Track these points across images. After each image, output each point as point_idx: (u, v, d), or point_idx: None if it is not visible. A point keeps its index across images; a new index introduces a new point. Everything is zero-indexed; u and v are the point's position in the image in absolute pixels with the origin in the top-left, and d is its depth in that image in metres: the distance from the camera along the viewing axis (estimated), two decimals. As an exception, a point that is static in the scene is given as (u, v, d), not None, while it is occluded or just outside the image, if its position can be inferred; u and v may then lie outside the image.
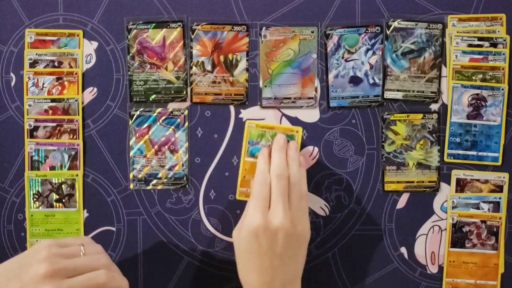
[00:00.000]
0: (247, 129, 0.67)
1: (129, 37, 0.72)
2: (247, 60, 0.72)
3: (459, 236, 0.72)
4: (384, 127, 0.72)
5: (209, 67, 0.72)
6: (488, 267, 0.72)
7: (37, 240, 0.72)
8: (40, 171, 0.72)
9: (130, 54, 0.72)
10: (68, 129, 0.72)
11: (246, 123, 0.68)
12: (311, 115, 0.73)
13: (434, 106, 0.72)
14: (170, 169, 0.73)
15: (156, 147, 0.73)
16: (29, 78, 0.72)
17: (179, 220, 0.73)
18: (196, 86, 0.72)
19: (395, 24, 0.71)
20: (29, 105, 0.72)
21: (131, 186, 0.73)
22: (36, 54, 0.72)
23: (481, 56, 0.71)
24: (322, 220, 0.73)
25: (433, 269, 0.73)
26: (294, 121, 0.73)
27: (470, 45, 0.71)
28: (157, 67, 0.72)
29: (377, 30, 0.71)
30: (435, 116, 0.72)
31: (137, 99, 0.72)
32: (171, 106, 0.73)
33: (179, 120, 0.72)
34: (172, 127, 0.72)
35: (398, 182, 0.72)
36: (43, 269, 0.50)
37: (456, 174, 0.72)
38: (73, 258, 0.53)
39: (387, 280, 0.73)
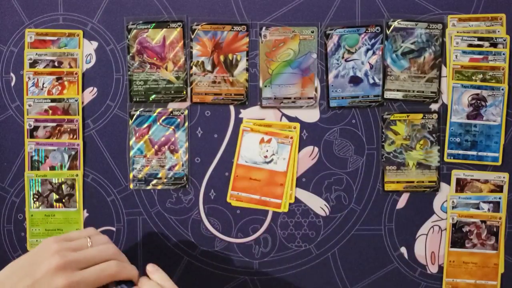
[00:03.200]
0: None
1: (129, 37, 0.72)
2: (247, 60, 0.72)
3: (459, 236, 0.72)
4: (384, 127, 0.72)
5: (209, 67, 0.72)
6: (488, 267, 0.72)
7: (37, 240, 0.72)
8: (40, 171, 0.72)
9: (130, 54, 0.72)
10: (68, 129, 0.72)
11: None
12: (311, 115, 0.73)
13: (434, 106, 0.72)
14: (170, 169, 0.73)
15: (156, 147, 0.73)
16: (29, 78, 0.72)
17: (179, 220, 0.73)
18: (196, 86, 0.72)
19: (395, 24, 0.71)
20: (29, 105, 0.72)
21: (131, 186, 0.73)
22: (36, 54, 0.72)
23: (481, 56, 0.71)
24: (322, 220, 0.73)
25: (433, 269, 0.73)
26: (294, 121, 0.73)
27: (470, 45, 0.71)
28: (157, 67, 0.72)
29: (377, 30, 0.71)
30: (435, 116, 0.72)
31: (137, 99, 0.72)
32: (171, 106, 0.73)
33: (179, 120, 0.72)
34: (172, 127, 0.72)
35: (398, 182, 0.72)
36: (55, 263, 0.50)
37: (456, 174, 0.72)
38: (81, 250, 0.53)
39: (387, 280, 0.73)
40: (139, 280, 0.57)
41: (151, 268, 0.58)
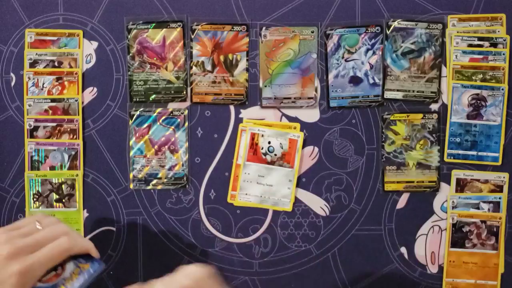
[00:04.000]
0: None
1: (129, 37, 0.72)
2: (247, 60, 0.72)
3: (459, 236, 0.72)
4: (384, 127, 0.72)
5: (209, 67, 0.72)
6: (488, 267, 0.72)
7: (37, 240, 0.72)
8: (40, 171, 0.72)
9: (130, 54, 0.72)
10: (68, 129, 0.72)
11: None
12: (311, 115, 0.73)
13: (434, 106, 0.72)
14: (170, 169, 0.73)
15: (156, 147, 0.73)
16: (29, 78, 0.72)
17: (179, 220, 0.73)
18: (196, 86, 0.72)
19: (395, 24, 0.71)
20: (29, 105, 0.72)
21: (131, 186, 0.73)
22: (36, 54, 0.72)
23: (481, 56, 0.71)
24: (322, 220, 0.73)
25: (433, 269, 0.73)
26: (294, 121, 0.73)
27: (470, 45, 0.71)
28: (157, 67, 0.72)
29: (377, 30, 0.71)
30: (435, 116, 0.72)
31: (137, 99, 0.72)
32: (171, 106, 0.73)
33: (179, 120, 0.72)
34: (172, 127, 0.72)
35: (398, 182, 0.72)
36: (5, 251, 0.50)
37: (456, 174, 0.72)
38: (32, 235, 0.53)
39: (387, 280, 0.73)
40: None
41: None
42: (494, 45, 0.71)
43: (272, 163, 0.72)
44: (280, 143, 0.72)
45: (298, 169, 0.72)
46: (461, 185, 0.72)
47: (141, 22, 0.72)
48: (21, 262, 0.50)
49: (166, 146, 0.73)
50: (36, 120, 0.72)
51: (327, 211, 0.73)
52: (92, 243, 0.56)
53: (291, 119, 0.73)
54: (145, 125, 0.72)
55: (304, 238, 0.73)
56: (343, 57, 0.72)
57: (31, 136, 0.72)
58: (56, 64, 0.72)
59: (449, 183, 0.72)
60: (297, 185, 0.72)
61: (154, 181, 0.73)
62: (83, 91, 0.72)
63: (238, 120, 0.73)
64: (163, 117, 0.72)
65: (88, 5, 0.72)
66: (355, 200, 0.73)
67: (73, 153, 0.72)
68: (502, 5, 0.71)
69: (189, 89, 0.72)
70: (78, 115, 0.72)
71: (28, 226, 0.55)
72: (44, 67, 0.72)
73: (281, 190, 0.72)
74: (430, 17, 0.71)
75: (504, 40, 0.71)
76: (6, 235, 0.52)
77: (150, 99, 0.72)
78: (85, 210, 0.73)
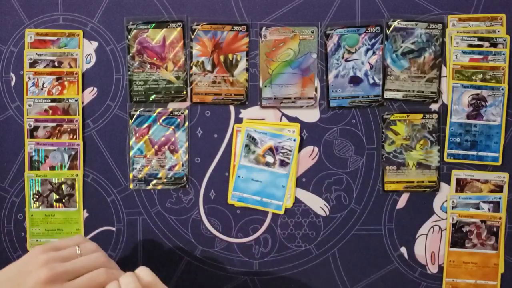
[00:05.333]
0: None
1: (129, 37, 0.72)
2: (247, 60, 0.72)
3: (459, 236, 0.72)
4: (384, 127, 0.72)
5: (209, 67, 0.72)
6: (488, 267, 0.72)
7: (37, 240, 0.72)
8: (40, 171, 0.72)
9: (130, 54, 0.72)
10: (68, 129, 0.72)
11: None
12: (311, 115, 0.73)
13: (434, 106, 0.72)
14: (170, 169, 0.73)
15: (156, 147, 0.73)
16: (29, 78, 0.72)
17: (179, 220, 0.73)
18: (196, 86, 0.72)
19: (395, 24, 0.71)
20: (29, 105, 0.72)
21: (131, 186, 0.73)
22: (36, 54, 0.72)
23: (481, 56, 0.71)
24: (322, 220, 0.73)
25: (433, 269, 0.73)
26: (294, 121, 0.73)
27: (470, 45, 0.71)
28: (157, 67, 0.72)
29: (377, 30, 0.71)
30: (435, 116, 0.72)
31: (137, 99, 0.72)
32: (171, 106, 0.73)
33: (179, 120, 0.72)
34: (172, 127, 0.72)
35: (398, 182, 0.72)
36: (43, 275, 0.50)
37: (456, 174, 0.72)
38: (70, 260, 0.53)
39: (387, 280, 0.73)
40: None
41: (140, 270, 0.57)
42: (494, 45, 0.71)
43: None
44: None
45: (296, 170, 0.72)
46: (461, 185, 0.72)
47: (141, 22, 0.72)
48: None
49: (166, 146, 0.73)
50: (36, 120, 0.72)
51: (327, 211, 0.73)
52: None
53: (291, 119, 0.73)
54: (145, 125, 0.72)
55: (304, 238, 0.73)
56: (343, 57, 0.72)
57: (31, 136, 0.72)
58: (56, 64, 0.72)
59: (449, 183, 0.72)
60: (297, 185, 0.72)
61: (154, 181, 0.73)
62: (83, 91, 0.72)
63: (238, 120, 0.73)
64: (163, 117, 0.72)
65: (88, 5, 0.72)
66: (355, 200, 0.73)
67: (73, 153, 0.72)
68: (502, 5, 0.71)
69: (189, 89, 0.72)
70: (78, 115, 0.72)
71: (68, 250, 0.54)
72: (44, 67, 0.72)
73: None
74: (430, 17, 0.71)
75: (504, 40, 0.71)
76: (46, 256, 0.52)
77: (150, 99, 0.72)
78: (85, 210, 0.73)
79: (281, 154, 0.72)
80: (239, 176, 0.72)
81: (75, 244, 0.55)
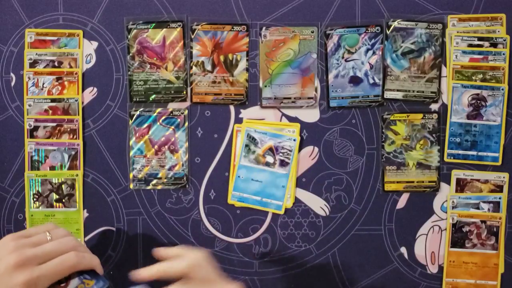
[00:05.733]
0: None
1: (129, 37, 0.72)
2: (247, 60, 0.72)
3: (459, 236, 0.72)
4: (384, 127, 0.72)
5: (209, 67, 0.72)
6: (488, 267, 0.72)
7: (37, 240, 0.72)
8: (40, 171, 0.72)
9: (130, 54, 0.72)
10: (68, 129, 0.72)
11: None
12: (311, 115, 0.73)
13: (434, 106, 0.72)
14: (170, 169, 0.73)
15: (156, 147, 0.73)
16: (29, 78, 0.72)
17: (179, 220, 0.73)
18: (196, 86, 0.72)
19: (395, 24, 0.71)
20: (29, 105, 0.72)
21: (131, 186, 0.73)
22: (36, 54, 0.72)
23: (481, 56, 0.71)
24: (322, 220, 0.73)
25: (433, 269, 0.73)
26: (294, 121, 0.73)
27: (470, 45, 0.71)
28: (157, 67, 0.72)
29: (377, 30, 0.71)
30: (435, 116, 0.72)
31: (137, 99, 0.72)
32: (171, 106, 0.73)
33: (179, 120, 0.72)
34: (172, 127, 0.72)
35: (398, 182, 0.72)
36: (13, 260, 0.50)
37: (456, 174, 0.72)
38: (40, 245, 0.53)
39: (387, 280, 0.73)
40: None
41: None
42: (494, 45, 0.71)
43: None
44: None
45: (296, 170, 0.72)
46: (461, 185, 0.72)
47: (141, 22, 0.72)
48: (27, 273, 0.50)
49: (166, 146, 0.73)
50: (36, 120, 0.72)
51: (327, 211, 0.73)
52: (99, 260, 0.56)
53: (291, 119, 0.73)
54: (145, 125, 0.72)
55: (304, 238, 0.73)
56: (343, 57, 0.72)
57: (31, 136, 0.72)
58: (56, 64, 0.72)
59: (449, 183, 0.72)
60: (297, 185, 0.72)
61: (154, 181, 0.73)
62: (83, 91, 0.72)
63: (238, 120, 0.73)
64: (163, 117, 0.72)
65: (88, 5, 0.72)
66: (355, 200, 0.73)
67: (73, 153, 0.72)
68: (502, 5, 0.71)
69: (189, 89, 0.72)
70: (78, 115, 0.72)
71: (38, 236, 0.55)
72: (44, 67, 0.72)
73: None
74: (430, 17, 0.71)
75: (504, 40, 0.71)
76: (15, 243, 0.52)
77: (150, 99, 0.72)
78: (85, 210, 0.73)
79: (281, 154, 0.72)
80: (239, 176, 0.72)
81: (45, 231, 0.56)
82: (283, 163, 0.72)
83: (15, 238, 0.53)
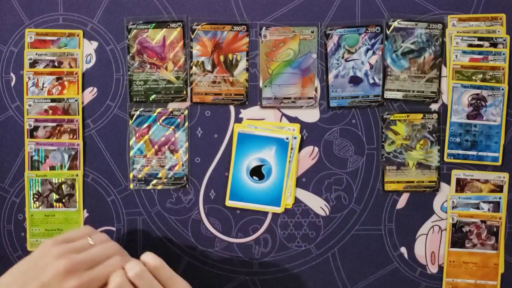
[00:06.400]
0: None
1: (129, 37, 0.72)
2: (247, 60, 0.72)
3: (459, 236, 0.72)
4: (384, 127, 0.72)
5: (209, 67, 0.72)
6: (488, 267, 0.72)
7: (37, 240, 0.72)
8: (40, 171, 0.72)
9: (130, 54, 0.72)
10: (68, 129, 0.72)
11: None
12: (311, 115, 0.73)
13: (434, 106, 0.72)
14: (170, 169, 0.73)
15: (156, 147, 0.73)
16: (29, 78, 0.72)
17: (179, 220, 0.73)
18: (196, 86, 0.72)
19: (395, 24, 0.71)
20: (29, 105, 0.72)
21: (131, 186, 0.73)
22: (36, 54, 0.72)
23: (481, 56, 0.71)
24: (322, 220, 0.73)
25: (433, 269, 0.73)
26: (294, 121, 0.73)
27: (470, 45, 0.71)
28: (157, 67, 0.72)
29: (377, 30, 0.71)
30: (435, 116, 0.72)
31: (137, 99, 0.72)
32: (171, 106, 0.73)
33: (179, 120, 0.72)
34: (172, 127, 0.72)
35: (398, 182, 0.72)
36: (63, 266, 0.50)
37: (456, 174, 0.72)
38: (85, 250, 0.53)
39: (387, 280, 0.73)
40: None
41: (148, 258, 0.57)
42: (494, 45, 0.71)
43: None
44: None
45: (296, 170, 0.72)
46: (461, 185, 0.72)
47: (141, 22, 0.72)
48: (78, 279, 0.50)
49: (166, 146, 0.73)
50: (36, 120, 0.72)
51: (327, 211, 0.73)
52: (141, 263, 0.56)
53: (291, 119, 0.73)
54: (145, 125, 0.72)
55: (304, 238, 0.73)
56: (343, 57, 0.72)
57: (31, 136, 0.72)
58: (56, 64, 0.72)
59: (449, 183, 0.72)
60: (297, 185, 0.72)
61: (154, 181, 0.73)
62: (83, 91, 0.72)
63: (238, 120, 0.73)
64: (163, 117, 0.72)
65: (88, 5, 0.72)
66: (355, 200, 0.73)
67: (73, 153, 0.72)
68: (502, 5, 0.71)
69: (189, 89, 0.72)
70: (78, 115, 0.72)
71: (80, 241, 0.55)
72: (44, 67, 0.72)
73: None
74: (430, 17, 0.72)
75: (504, 40, 0.71)
76: (59, 248, 0.52)
77: (150, 99, 0.72)
78: (85, 210, 0.73)
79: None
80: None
81: (86, 235, 0.56)
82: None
83: (57, 244, 0.53)
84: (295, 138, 0.72)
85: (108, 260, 0.53)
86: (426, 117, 0.72)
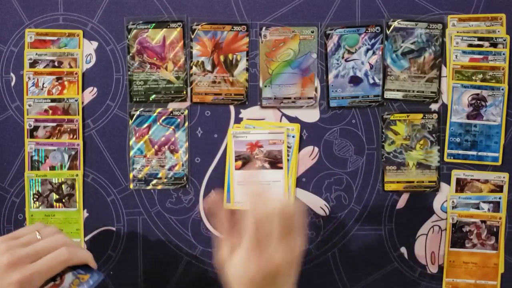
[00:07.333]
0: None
1: (129, 37, 0.72)
2: (247, 60, 0.72)
3: (459, 236, 0.72)
4: (384, 127, 0.72)
5: (209, 67, 0.72)
6: (488, 267, 0.72)
7: (37, 240, 0.72)
8: (40, 171, 0.72)
9: (130, 54, 0.72)
10: (68, 129, 0.72)
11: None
12: (311, 115, 0.73)
13: (434, 106, 0.72)
14: (170, 169, 0.73)
15: (156, 147, 0.73)
16: (29, 78, 0.72)
17: (179, 220, 0.73)
18: (196, 86, 0.72)
19: (395, 24, 0.71)
20: (29, 105, 0.72)
21: (131, 186, 0.73)
22: (36, 54, 0.72)
23: (481, 56, 0.71)
24: (322, 220, 0.73)
25: (433, 269, 0.73)
26: (294, 121, 0.73)
27: (470, 45, 0.71)
28: (157, 67, 0.72)
29: (377, 30, 0.71)
30: (435, 116, 0.72)
31: (137, 99, 0.72)
32: (171, 106, 0.73)
33: (179, 120, 0.72)
34: (172, 127, 0.72)
35: (398, 182, 0.72)
36: (6, 260, 0.51)
37: (456, 174, 0.72)
38: (31, 244, 0.54)
39: (387, 280, 0.73)
40: None
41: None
42: (494, 45, 0.71)
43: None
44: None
45: (296, 170, 0.72)
46: (461, 185, 0.72)
47: (141, 22, 0.72)
48: (21, 272, 0.51)
49: (166, 146, 0.73)
50: (36, 120, 0.72)
51: (327, 211, 0.73)
52: (91, 254, 0.56)
53: (291, 119, 0.73)
54: (145, 125, 0.72)
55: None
56: (343, 57, 0.72)
57: (31, 136, 0.72)
58: (56, 64, 0.72)
59: (449, 183, 0.72)
60: (297, 185, 0.72)
61: (154, 181, 0.73)
62: (83, 91, 0.72)
63: (238, 120, 0.73)
64: (163, 117, 0.72)
65: (88, 5, 0.72)
66: (355, 200, 0.73)
67: (73, 153, 0.72)
68: (502, 5, 0.71)
69: (189, 89, 0.72)
70: (78, 115, 0.72)
71: (27, 236, 0.56)
72: (44, 67, 0.72)
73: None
74: (430, 17, 0.71)
75: (504, 40, 0.71)
76: (6, 244, 0.53)
77: (150, 99, 0.72)
78: (85, 210, 0.73)
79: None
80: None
81: (34, 230, 0.56)
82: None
83: (5, 240, 0.54)
84: (293, 136, 0.72)
85: (53, 252, 0.54)
86: (426, 117, 0.72)
